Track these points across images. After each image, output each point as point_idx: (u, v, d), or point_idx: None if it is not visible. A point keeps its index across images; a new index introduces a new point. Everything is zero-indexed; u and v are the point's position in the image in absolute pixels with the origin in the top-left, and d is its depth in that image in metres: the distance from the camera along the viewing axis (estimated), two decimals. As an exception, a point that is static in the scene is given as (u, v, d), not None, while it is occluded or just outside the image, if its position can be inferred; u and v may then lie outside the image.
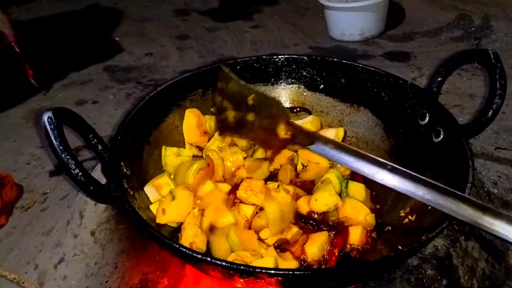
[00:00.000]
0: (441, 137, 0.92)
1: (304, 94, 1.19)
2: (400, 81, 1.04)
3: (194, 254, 0.69)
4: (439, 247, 0.86)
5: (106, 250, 0.97)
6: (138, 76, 1.76)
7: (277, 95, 1.19)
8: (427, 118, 0.97)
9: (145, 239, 0.97)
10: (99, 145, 0.85)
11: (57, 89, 1.70)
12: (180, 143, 1.08)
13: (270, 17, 2.29)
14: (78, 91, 1.67)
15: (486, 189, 1.06)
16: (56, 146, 0.72)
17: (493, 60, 0.89)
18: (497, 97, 0.88)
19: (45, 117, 0.73)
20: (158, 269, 1.00)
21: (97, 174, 0.99)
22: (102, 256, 0.97)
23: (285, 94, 1.20)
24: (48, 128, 0.72)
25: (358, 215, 0.93)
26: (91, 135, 0.84)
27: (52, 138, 0.72)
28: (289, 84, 1.19)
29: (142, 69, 1.81)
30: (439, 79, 0.99)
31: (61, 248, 0.98)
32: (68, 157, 0.72)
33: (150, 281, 0.99)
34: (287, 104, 1.20)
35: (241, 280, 0.73)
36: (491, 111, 0.88)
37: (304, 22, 2.23)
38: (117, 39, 2.08)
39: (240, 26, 2.20)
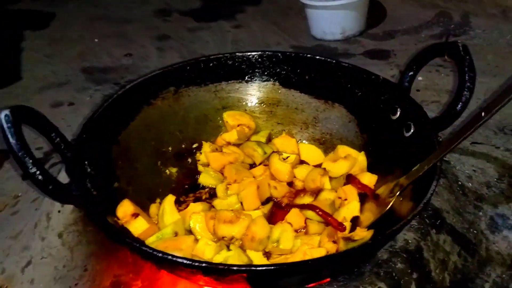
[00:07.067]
0: (412, 131, 0.92)
1: (279, 91, 1.18)
2: (373, 77, 1.04)
3: (154, 253, 0.67)
4: (410, 241, 0.85)
5: (74, 252, 0.95)
6: (116, 77, 1.74)
7: (252, 93, 1.19)
8: (398, 113, 0.97)
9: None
10: (62, 144, 0.83)
11: (33, 92, 1.68)
12: (152, 141, 1.07)
13: (253, 17, 2.28)
14: (54, 93, 1.65)
15: (460, 183, 1.06)
16: (12, 144, 0.70)
17: (462, 53, 0.88)
18: (466, 89, 0.87)
19: (2, 115, 0.71)
20: (131, 271, 0.98)
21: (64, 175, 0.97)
22: (70, 258, 0.95)
23: (260, 91, 1.18)
24: (5, 126, 0.70)
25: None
26: (53, 134, 0.82)
27: (9, 136, 0.70)
28: (264, 81, 1.17)
29: (120, 70, 1.79)
30: (410, 74, 0.98)
31: (28, 251, 0.97)
32: (25, 155, 0.70)
33: (122, 284, 0.97)
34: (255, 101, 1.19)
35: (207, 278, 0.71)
36: (460, 103, 0.87)
37: (287, 21, 2.22)
38: (96, 40, 2.06)
39: (222, 26, 2.19)
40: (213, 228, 0.89)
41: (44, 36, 2.12)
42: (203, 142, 1.12)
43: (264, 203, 1.00)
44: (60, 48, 2.01)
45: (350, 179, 0.97)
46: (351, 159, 1.01)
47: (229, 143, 1.13)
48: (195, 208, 0.94)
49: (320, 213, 0.91)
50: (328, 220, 0.89)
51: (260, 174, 1.04)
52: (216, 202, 0.99)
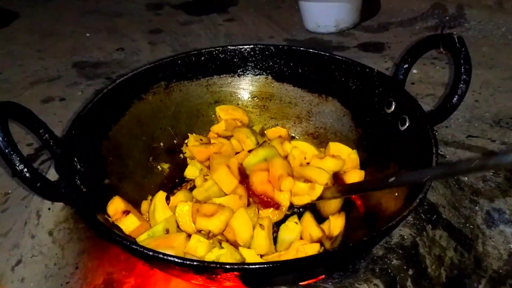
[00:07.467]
0: (407, 125, 0.90)
1: (272, 85, 1.16)
2: (367, 69, 1.02)
3: (145, 251, 0.66)
4: (405, 236, 0.84)
5: (65, 250, 0.93)
6: (107, 71, 1.72)
7: (244, 87, 1.17)
8: (393, 106, 0.95)
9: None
10: (51, 140, 0.81)
11: (24, 87, 1.65)
12: (143, 137, 1.04)
13: (245, 10, 2.25)
14: (45, 88, 1.63)
15: (456, 177, 1.05)
16: (-2, 141, 0.68)
17: (457, 45, 0.87)
18: (461, 82, 0.86)
19: (-13, 111, 0.69)
20: (123, 268, 0.96)
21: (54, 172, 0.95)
22: (61, 256, 0.93)
23: (252, 85, 1.16)
24: (-10, 122, 0.69)
25: (342, 153, 1.02)
26: (42, 130, 0.80)
27: (-6, 133, 0.68)
28: (256, 75, 1.16)
29: (112, 65, 1.77)
30: (405, 66, 0.97)
31: (18, 249, 0.95)
32: (12, 152, 0.68)
33: (114, 281, 0.95)
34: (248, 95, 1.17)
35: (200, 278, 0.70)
36: (456, 96, 0.86)
37: (280, 14, 2.20)
38: (87, 35, 2.03)
39: (214, 19, 2.17)
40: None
41: (35, 31, 2.09)
42: (189, 134, 1.10)
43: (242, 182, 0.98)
44: (51, 43, 1.98)
45: (337, 179, 0.96)
46: (338, 158, 0.99)
47: (218, 135, 1.11)
48: (177, 199, 0.92)
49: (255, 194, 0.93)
50: (266, 200, 0.92)
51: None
52: (194, 192, 0.97)
